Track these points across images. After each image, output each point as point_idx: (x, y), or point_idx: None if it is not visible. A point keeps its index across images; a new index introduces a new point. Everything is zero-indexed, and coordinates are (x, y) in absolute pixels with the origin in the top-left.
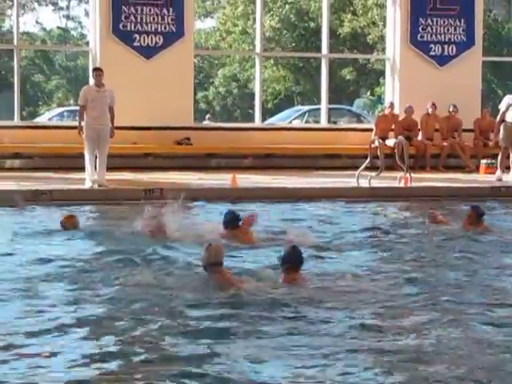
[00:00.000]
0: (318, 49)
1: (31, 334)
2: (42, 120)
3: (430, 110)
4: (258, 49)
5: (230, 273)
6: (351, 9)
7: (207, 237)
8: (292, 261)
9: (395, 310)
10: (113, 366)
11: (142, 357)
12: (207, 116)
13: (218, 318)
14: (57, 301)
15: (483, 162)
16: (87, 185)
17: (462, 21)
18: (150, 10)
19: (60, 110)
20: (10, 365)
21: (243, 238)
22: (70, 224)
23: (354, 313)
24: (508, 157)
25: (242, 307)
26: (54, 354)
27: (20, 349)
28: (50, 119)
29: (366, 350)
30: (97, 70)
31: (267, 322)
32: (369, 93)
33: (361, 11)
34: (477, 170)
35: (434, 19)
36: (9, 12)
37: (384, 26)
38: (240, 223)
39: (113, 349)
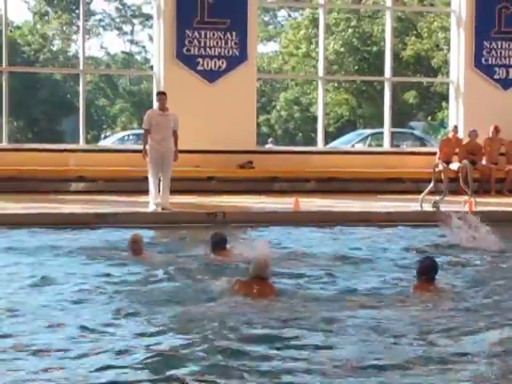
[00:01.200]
0: (381, 72)
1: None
2: (106, 143)
3: (492, 134)
4: (320, 72)
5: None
6: (414, 32)
7: None
8: (427, 272)
9: None
10: None
11: None
12: (270, 139)
13: None
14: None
15: None
16: (151, 208)
17: None
18: (213, 35)
19: (124, 133)
20: None
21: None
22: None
23: None
24: None
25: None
26: None
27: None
28: (113, 143)
29: None
30: (160, 94)
31: None
32: (429, 118)
33: (426, 34)
34: None
35: (499, 42)
36: (74, 37)
37: (448, 49)
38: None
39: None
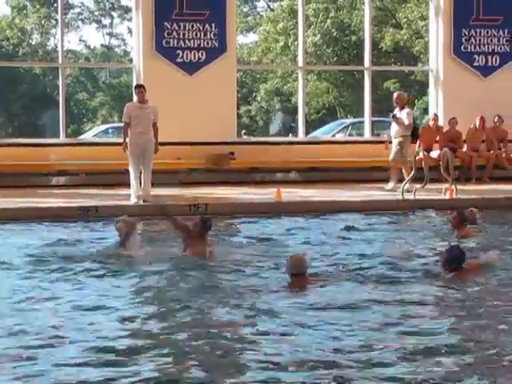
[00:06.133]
0: (361, 61)
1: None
2: (86, 137)
3: (478, 124)
4: (300, 62)
5: (314, 280)
6: (393, 21)
7: None
8: (457, 260)
9: None
10: None
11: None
12: (243, 132)
13: None
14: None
15: None
16: (133, 201)
17: (506, 31)
18: (192, 26)
19: (104, 126)
20: None
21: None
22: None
23: None
24: None
25: None
26: None
27: None
28: (94, 136)
29: None
30: (139, 87)
31: None
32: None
33: (405, 24)
34: None
35: (477, 30)
36: (53, 31)
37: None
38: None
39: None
